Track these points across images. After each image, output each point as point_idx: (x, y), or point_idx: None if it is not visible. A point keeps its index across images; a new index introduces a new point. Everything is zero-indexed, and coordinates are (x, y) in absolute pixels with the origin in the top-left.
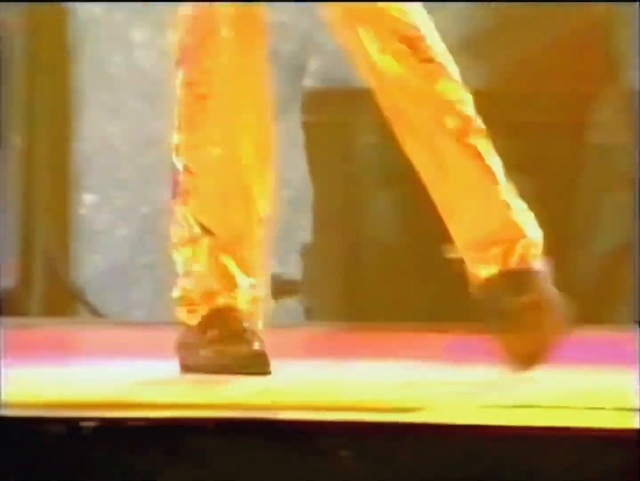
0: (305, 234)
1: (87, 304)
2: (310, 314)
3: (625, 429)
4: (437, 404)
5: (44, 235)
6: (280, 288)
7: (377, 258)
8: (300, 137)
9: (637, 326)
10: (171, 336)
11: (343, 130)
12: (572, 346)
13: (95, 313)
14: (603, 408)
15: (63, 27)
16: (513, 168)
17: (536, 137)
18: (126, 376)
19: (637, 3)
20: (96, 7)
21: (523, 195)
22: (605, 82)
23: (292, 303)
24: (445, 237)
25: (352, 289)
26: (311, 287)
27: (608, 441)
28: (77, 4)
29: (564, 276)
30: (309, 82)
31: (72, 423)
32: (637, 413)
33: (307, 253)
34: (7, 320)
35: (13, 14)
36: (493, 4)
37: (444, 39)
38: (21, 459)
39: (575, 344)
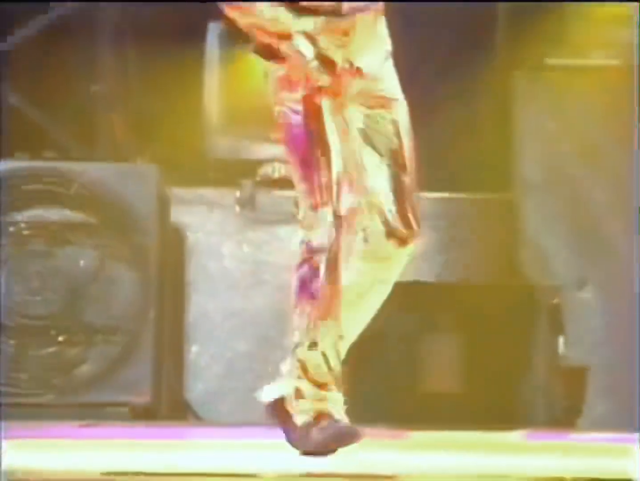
0: None
1: (194, 413)
2: None
3: None
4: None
5: (168, 370)
6: None
7: None
8: None
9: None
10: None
11: None
12: None
13: (199, 418)
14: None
15: (180, 248)
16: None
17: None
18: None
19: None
20: (200, 234)
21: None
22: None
23: None
24: None
25: None
26: None
27: None
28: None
29: None
30: None
31: None
32: None
33: None
34: (142, 423)
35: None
36: None
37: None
38: None
39: None
